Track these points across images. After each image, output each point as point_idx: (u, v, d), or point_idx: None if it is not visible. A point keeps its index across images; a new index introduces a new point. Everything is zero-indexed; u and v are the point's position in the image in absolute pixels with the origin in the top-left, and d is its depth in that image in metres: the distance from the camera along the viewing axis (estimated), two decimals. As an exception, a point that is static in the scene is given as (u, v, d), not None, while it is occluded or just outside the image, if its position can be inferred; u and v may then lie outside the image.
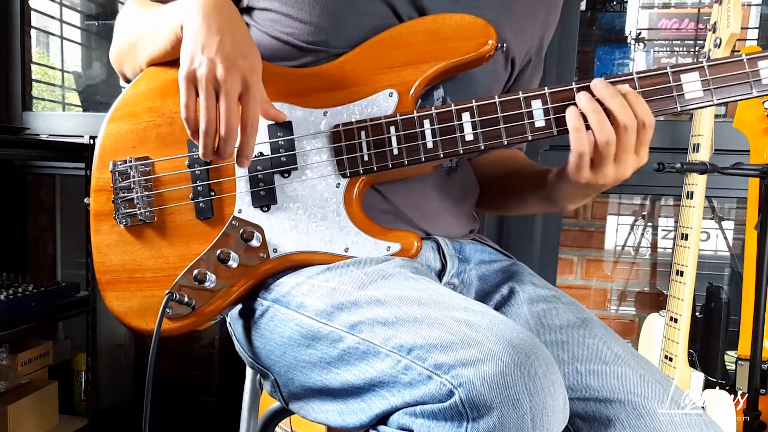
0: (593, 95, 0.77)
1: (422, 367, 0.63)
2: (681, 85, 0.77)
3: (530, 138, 0.81)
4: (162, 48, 0.86)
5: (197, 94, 0.76)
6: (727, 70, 0.76)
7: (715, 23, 1.49)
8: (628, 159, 0.78)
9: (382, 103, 0.84)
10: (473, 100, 0.81)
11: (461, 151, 0.82)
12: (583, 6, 2.08)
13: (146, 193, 0.89)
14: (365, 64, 0.85)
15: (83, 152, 1.95)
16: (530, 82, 1.06)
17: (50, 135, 2.19)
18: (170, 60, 0.87)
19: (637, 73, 0.78)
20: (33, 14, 2.29)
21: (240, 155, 0.78)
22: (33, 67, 2.34)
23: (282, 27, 0.88)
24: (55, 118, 2.29)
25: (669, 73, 0.77)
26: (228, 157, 0.78)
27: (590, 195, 0.87)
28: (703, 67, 0.77)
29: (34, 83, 2.34)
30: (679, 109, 0.78)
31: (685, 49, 2.14)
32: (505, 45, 0.86)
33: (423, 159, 0.82)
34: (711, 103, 0.77)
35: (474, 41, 0.83)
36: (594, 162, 0.78)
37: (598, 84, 0.77)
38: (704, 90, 0.77)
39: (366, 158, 0.83)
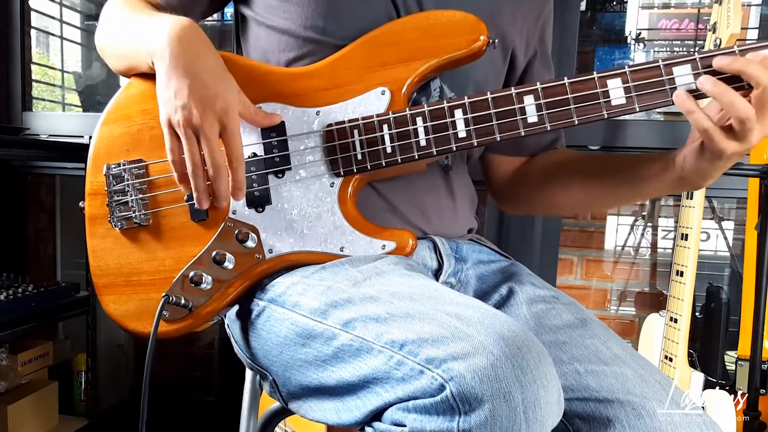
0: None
1: (414, 361, 0.63)
2: (673, 78, 0.77)
3: (523, 134, 0.80)
4: (139, 68, 0.88)
5: (179, 138, 0.77)
6: None
7: (715, 23, 1.49)
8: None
9: (375, 102, 0.84)
10: (465, 97, 0.81)
11: (454, 148, 0.82)
12: (583, 6, 2.08)
13: (140, 195, 0.88)
14: (357, 62, 0.85)
15: (83, 152, 1.91)
16: (541, 77, 1.04)
17: (50, 135, 2.19)
18: None
19: (629, 66, 0.78)
20: (33, 14, 2.29)
21: (234, 190, 0.80)
22: (33, 67, 2.33)
23: (280, 13, 0.89)
24: (55, 118, 2.29)
25: (661, 67, 0.77)
26: (225, 198, 0.79)
27: (732, 163, 0.81)
28: (695, 59, 0.76)
29: (34, 83, 2.33)
30: (672, 101, 0.77)
31: (685, 49, 2.14)
32: (497, 41, 0.86)
33: (416, 157, 0.82)
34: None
35: (465, 37, 0.83)
36: (737, 133, 0.74)
37: (722, 60, 0.74)
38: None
39: (359, 157, 0.83)
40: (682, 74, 0.76)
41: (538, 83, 0.79)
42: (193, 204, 0.86)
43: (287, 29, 0.89)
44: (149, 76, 0.89)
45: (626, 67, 0.78)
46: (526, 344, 0.62)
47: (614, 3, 2.20)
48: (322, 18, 0.87)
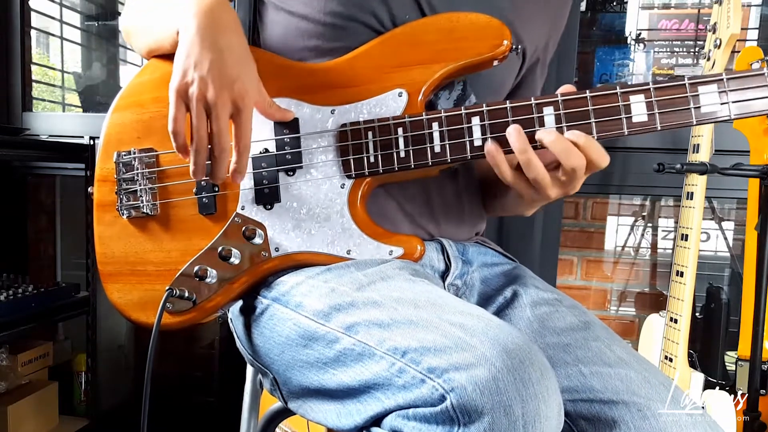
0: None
1: (416, 370, 0.63)
2: (698, 96, 0.74)
3: (540, 145, 0.77)
4: (160, 46, 0.86)
5: (187, 109, 0.76)
6: (746, 84, 0.73)
7: (715, 24, 1.50)
8: (575, 182, 0.78)
9: (391, 104, 0.82)
10: (483, 105, 0.79)
11: (469, 157, 0.79)
12: (583, 6, 2.09)
13: (150, 185, 0.88)
14: (376, 61, 0.84)
15: (83, 153, 1.94)
16: (535, 83, 1.04)
17: (50, 136, 2.18)
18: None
19: (654, 83, 0.75)
20: (33, 15, 2.29)
21: (234, 172, 0.78)
22: (33, 67, 2.33)
23: None
24: (55, 118, 2.29)
25: (686, 85, 0.74)
26: (222, 179, 0.78)
27: (543, 203, 0.88)
28: (723, 79, 0.73)
29: (34, 84, 2.33)
30: (695, 122, 0.75)
31: (685, 49, 2.14)
32: (520, 47, 0.84)
33: (430, 163, 0.80)
34: (728, 118, 0.74)
35: (488, 42, 0.81)
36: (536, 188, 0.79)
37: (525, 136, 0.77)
38: (722, 104, 0.73)
39: (372, 159, 0.82)
40: (707, 92, 0.74)
41: (558, 95, 0.77)
42: (202, 197, 0.86)
43: (305, 15, 0.86)
44: (163, 63, 0.89)
45: (650, 83, 0.75)
46: (529, 357, 0.62)
47: (614, 3, 2.20)
48: (340, 3, 0.85)
